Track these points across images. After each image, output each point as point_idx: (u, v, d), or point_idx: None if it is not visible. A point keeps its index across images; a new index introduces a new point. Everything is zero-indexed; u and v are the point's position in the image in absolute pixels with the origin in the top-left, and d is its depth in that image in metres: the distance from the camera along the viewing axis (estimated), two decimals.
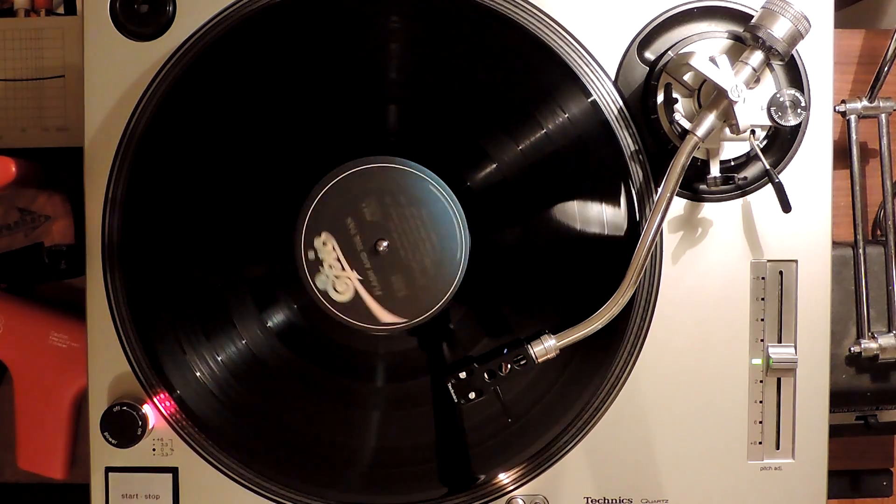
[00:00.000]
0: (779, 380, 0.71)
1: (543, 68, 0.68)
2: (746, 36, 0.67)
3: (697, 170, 0.68)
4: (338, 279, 0.65)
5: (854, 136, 0.80)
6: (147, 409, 0.69)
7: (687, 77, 0.68)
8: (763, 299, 0.71)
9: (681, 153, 0.65)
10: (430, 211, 0.66)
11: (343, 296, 0.65)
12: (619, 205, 0.68)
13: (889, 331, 0.78)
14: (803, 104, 0.66)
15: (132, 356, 0.70)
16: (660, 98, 0.68)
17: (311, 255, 0.65)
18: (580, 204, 0.68)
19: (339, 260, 0.65)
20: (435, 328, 0.69)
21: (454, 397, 0.67)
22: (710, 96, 0.67)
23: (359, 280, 0.65)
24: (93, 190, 0.70)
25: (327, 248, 0.65)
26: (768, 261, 0.71)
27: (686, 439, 0.71)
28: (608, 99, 0.69)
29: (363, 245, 0.66)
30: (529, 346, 0.66)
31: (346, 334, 0.69)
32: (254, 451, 0.70)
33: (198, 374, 0.69)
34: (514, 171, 0.69)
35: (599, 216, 0.68)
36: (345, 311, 0.67)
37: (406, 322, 0.67)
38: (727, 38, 0.69)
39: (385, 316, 0.67)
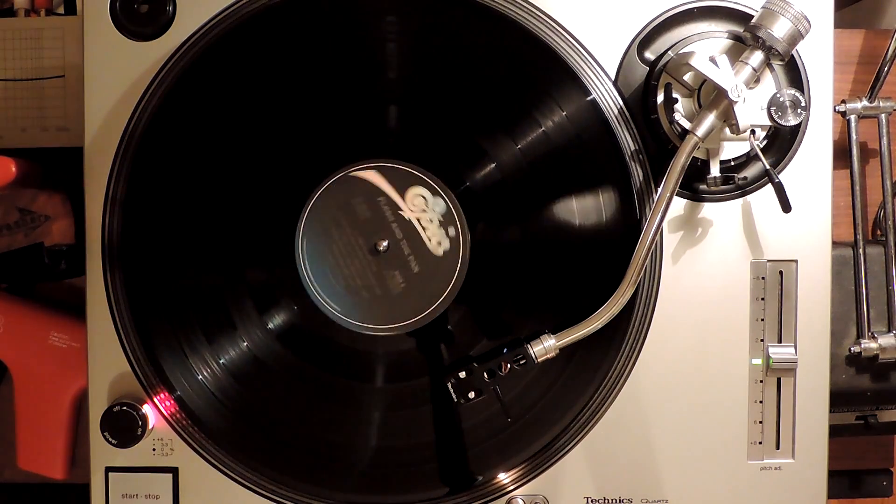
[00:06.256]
0: (779, 380, 0.71)
1: (543, 68, 0.68)
2: (746, 36, 0.67)
3: (697, 170, 0.68)
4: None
5: (854, 136, 0.80)
6: (147, 409, 0.69)
7: (687, 77, 0.68)
8: (763, 299, 0.71)
9: (681, 153, 0.65)
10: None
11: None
12: (618, 204, 0.68)
13: (889, 331, 0.78)
14: (803, 104, 0.66)
15: (132, 356, 0.70)
16: (660, 98, 0.68)
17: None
18: (580, 203, 0.68)
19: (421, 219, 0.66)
20: (435, 328, 0.69)
21: (454, 397, 0.67)
22: (710, 96, 0.67)
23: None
24: (93, 190, 0.70)
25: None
26: (768, 261, 0.71)
27: (686, 439, 0.71)
28: (608, 99, 0.69)
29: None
30: (529, 346, 0.66)
31: (346, 335, 0.69)
32: (254, 451, 0.70)
33: (198, 374, 0.69)
34: (514, 171, 0.69)
35: (599, 215, 0.68)
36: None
37: (406, 323, 0.67)
38: (727, 38, 0.69)
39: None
